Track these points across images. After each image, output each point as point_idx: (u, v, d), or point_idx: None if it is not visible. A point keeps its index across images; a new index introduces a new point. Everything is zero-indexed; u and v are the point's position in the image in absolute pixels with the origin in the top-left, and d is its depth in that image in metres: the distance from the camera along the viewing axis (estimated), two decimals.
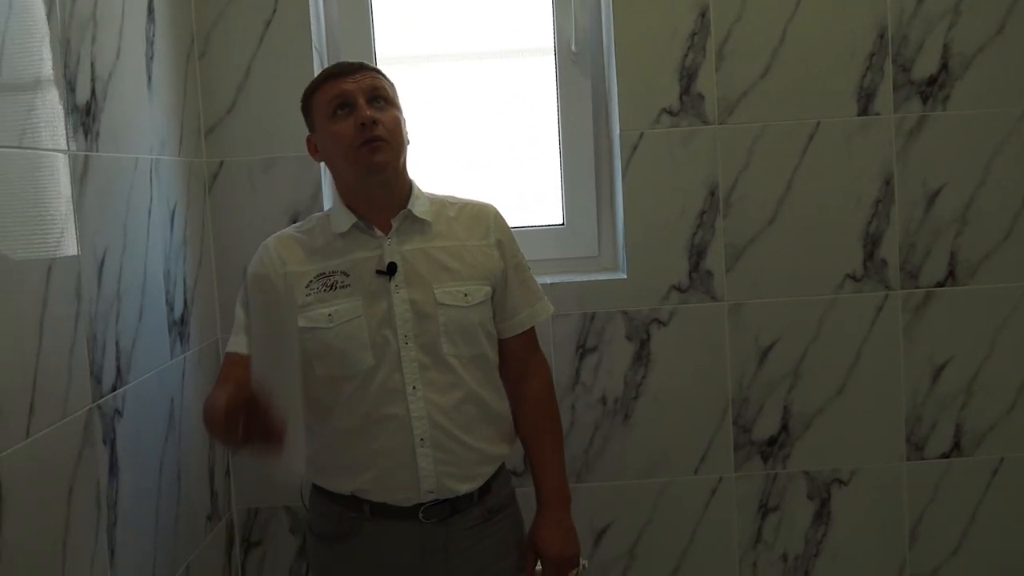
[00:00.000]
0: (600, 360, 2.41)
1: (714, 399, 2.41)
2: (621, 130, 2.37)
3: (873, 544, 2.47)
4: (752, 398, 2.42)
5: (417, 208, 1.86)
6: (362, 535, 1.86)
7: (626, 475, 2.44)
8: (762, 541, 2.46)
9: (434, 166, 2.50)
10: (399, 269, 1.82)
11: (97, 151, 1.71)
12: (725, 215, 2.39)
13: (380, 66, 2.49)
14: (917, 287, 2.42)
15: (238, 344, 1.84)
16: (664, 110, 2.37)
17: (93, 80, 1.72)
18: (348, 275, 1.82)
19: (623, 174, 2.38)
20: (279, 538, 2.43)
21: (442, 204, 1.91)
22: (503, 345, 1.96)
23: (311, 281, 1.82)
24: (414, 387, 1.80)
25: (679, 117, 2.37)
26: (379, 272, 1.81)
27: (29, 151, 1.47)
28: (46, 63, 1.55)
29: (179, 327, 2.09)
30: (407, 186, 1.89)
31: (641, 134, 2.37)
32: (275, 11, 2.32)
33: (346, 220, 1.84)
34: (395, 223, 1.84)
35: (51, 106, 1.55)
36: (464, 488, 1.85)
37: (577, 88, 2.48)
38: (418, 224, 1.86)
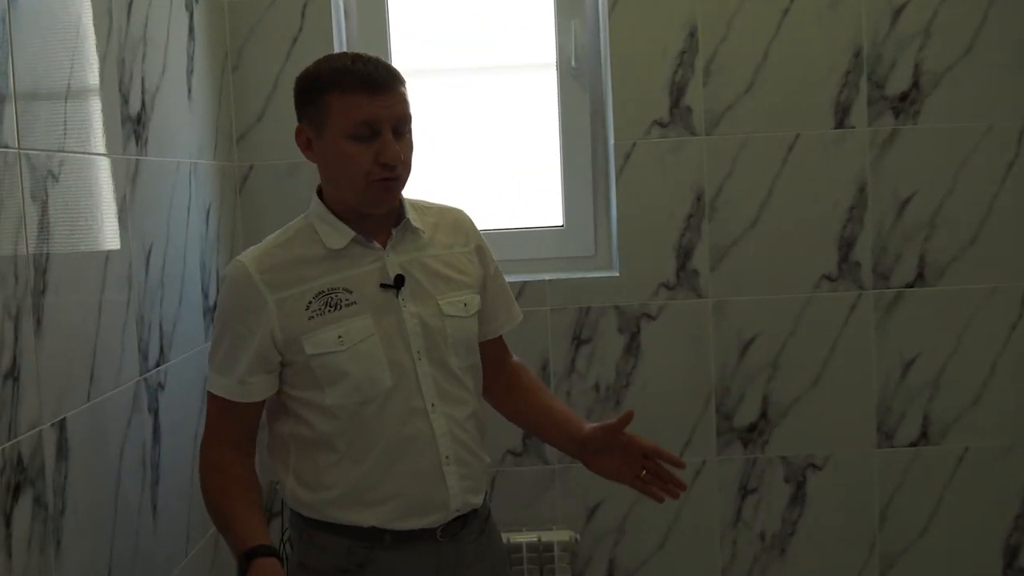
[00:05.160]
0: (593, 351, 2.62)
1: (698, 388, 2.61)
2: (616, 140, 2.59)
3: (845, 525, 2.67)
4: (733, 388, 2.63)
5: (412, 219, 1.75)
6: (375, 564, 1.69)
7: None
8: (742, 520, 2.66)
9: (445, 172, 2.73)
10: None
11: (146, 155, 1.95)
12: (710, 219, 2.60)
13: None
14: (888, 287, 2.62)
15: (226, 388, 1.69)
16: (655, 122, 2.58)
17: (143, 93, 1.95)
18: (351, 292, 1.68)
19: (617, 180, 2.59)
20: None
21: (421, 210, 1.80)
22: (482, 348, 1.85)
23: (311, 301, 1.67)
24: (433, 404, 1.70)
25: (669, 128, 2.58)
26: (383, 286, 1.70)
27: (92, 156, 1.70)
28: (106, 78, 1.78)
29: (211, 314, 2.31)
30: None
31: (634, 143, 2.58)
32: (301, 29, 2.55)
33: (343, 235, 1.69)
34: (395, 234, 1.73)
35: (110, 116, 1.78)
36: (477, 500, 1.77)
37: (576, 100, 2.70)
38: (412, 234, 1.75)
